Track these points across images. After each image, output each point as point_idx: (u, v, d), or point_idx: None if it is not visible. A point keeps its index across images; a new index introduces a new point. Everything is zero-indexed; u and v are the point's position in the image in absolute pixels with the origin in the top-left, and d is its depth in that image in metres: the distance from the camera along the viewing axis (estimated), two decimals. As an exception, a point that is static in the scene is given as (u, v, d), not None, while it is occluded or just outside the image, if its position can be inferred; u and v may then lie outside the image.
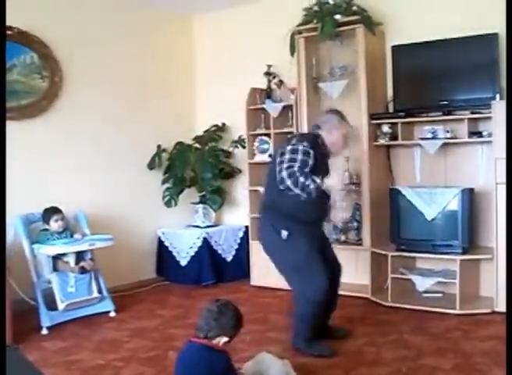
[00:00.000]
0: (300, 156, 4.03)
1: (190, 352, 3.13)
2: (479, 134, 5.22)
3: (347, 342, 4.44)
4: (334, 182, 4.25)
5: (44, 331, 4.93)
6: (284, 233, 4.21)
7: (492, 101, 4.99)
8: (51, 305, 5.08)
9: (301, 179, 3.93)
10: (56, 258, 5.22)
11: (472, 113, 5.19)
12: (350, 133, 4.66)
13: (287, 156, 4.04)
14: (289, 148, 4.09)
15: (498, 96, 5.05)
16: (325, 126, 4.39)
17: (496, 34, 5.12)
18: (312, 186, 3.94)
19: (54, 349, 4.53)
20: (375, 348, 4.31)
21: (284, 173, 3.96)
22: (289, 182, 3.95)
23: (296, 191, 3.98)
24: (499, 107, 4.92)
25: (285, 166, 4.00)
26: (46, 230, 5.35)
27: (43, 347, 4.57)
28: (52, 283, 5.13)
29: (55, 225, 5.35)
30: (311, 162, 4.07)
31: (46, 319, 4.98)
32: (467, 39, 5.22)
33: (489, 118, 5.01)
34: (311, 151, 4.09)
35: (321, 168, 4.23)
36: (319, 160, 4.19)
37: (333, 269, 4.49)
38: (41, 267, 5.21)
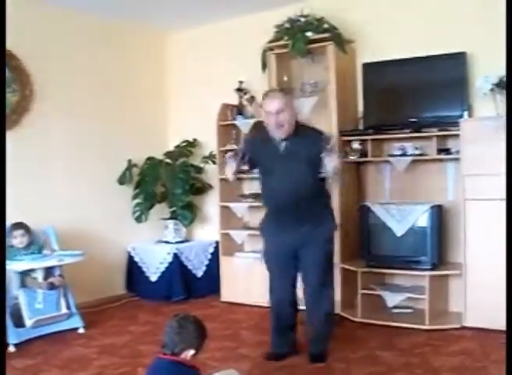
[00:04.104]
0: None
1: (159, 369, 3.10)
2: (447, 151, 5.29)
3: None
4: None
5: (11, 349, 4.84)
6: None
7: (460, 119, 5.06)
8: (19, 322, 4.99)
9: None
10: (24, 274, 5.15)
11: (441, 131, 5.24)
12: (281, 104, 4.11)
13: None
14: None
15: (466, 114, 5.12)
16: None
17: (464, 53, 5.20)
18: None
19: (21, 367, 4.45)
20: (345, 363, 4.30)
21: None
22: None
23: None
24: (466, 125, 5.01)
25: None
26: (12, 246, 5.29)
27: (10, 365, 4.47)
28: (20, 299, 5.06)
29: (15, 241, 5.28)
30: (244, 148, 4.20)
31: (13, 336, 4.90)
32: (436, 57, 5.30)
33: (457, 135, 5.07)
34: (248, 140, 4.39)
35: (272, 154, 4.22)
36: (266, 148, 4.24)
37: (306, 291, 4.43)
38: (9, 283, 5.13)
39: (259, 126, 4.20)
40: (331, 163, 3.98)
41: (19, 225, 5.33)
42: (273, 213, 4.36)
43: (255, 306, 5.97)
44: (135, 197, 6.76)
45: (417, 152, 5.39)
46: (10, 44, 5.55)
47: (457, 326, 5.05)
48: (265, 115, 4.16)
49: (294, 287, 4.42)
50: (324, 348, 4.41)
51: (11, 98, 5.70)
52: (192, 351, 3.09)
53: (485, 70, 4.98)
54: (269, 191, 4.27)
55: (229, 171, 4.18)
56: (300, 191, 4.12)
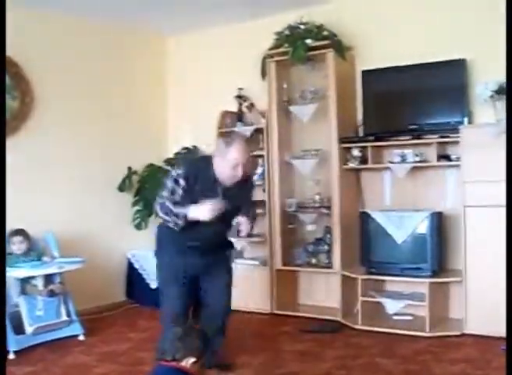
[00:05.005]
0: (169, 184, 3.97)
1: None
2: (448, 158, 5.29)
3: (317, 366, 4.43)
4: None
5: (11, 356, 4.83)
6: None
7: (460, 126, 5.07)
8: (19, 329, 4.98)
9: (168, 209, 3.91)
10: (24, 281, 5.15)
11: (441, 137, 5.25)
12: (245, 162, 3.97)
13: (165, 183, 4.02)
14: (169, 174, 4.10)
15: (466, 120, 5.13)
16: (214, 152, 4.08)
17: (464, 60, 5.21)
18: (175, 219, 3.90)
19: (21, 374, 4.45)
20: (346, 371, 4.30)
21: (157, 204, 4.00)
22: (160, 213, 3.97)
23: (167, 218, 3.95)
24: (466, 131, 5.02)
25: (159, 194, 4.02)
26: (12, 253, 5.28)
27: (10, 372, 4.47)
28: (20, 306, 5.05)
29: (14, 247, 5.28)
30: (179, 191, 3.91)
31: (13, 344, 4.89)
32: (435, 64, 5.30)
33: (457, 142, 5.08)
34: (181, 180, 3.91)
35: (209, 193, 3.93)
36: (204, 184, 3.95)
37: (211, 313, 4.26)
38: (9, 290, 5.12)
39: (201, 166, 4.05)
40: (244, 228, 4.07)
41: (17, 232, 5.33)
42: (186, 238, 4.05)
43: (255, 313, 5.97)
44: (135, 204, 6.75)
45: (418, 159, 5.39)
46: (10, 51, 5.54)
47: (458, 333, 5.05)
48: (225, 161, 3.91)
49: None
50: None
51: (11, 104, 5.70)
52: (192, 359, 3.09)
53: (485, 77, 4.99)
54: (192, 223, 3.92)
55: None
56: (222, 228, 4.15)
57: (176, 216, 3.88)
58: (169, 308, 4.12)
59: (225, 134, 4.25)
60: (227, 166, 3.91)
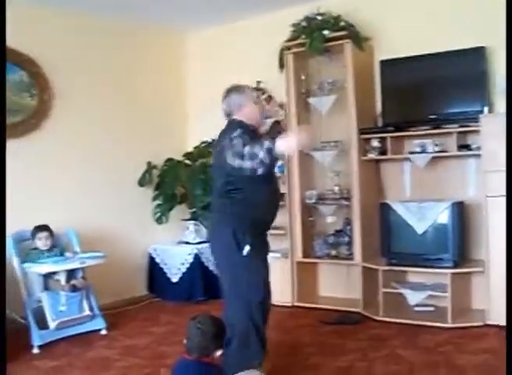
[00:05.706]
0: (236, 140, 3.63)
1: (186, 369, 3.10)
2: (468, 147, 5.24)
3: (339, 357, 4.43)
4: None
5: (36, 350, 4.89)
6: (247, 249, 3.72)
7: (480, 115, 5.02)
8: (43, 324, 5.04)
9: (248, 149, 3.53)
10: (47, 276, 5.19)
11: (461, 127, 5.20)
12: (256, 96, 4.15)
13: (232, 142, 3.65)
14: (225, 141, 3.72)
15: (486, 109, 5.08)
16: (234, 108, 4.00)
17: (483, 48, 5.16)
18: (261, 152, 3.47)
19: (45, 368, 4.50)
20: (367, 362, 4.30)
21: (236, 160, 3.57)
22: (247, 163, 3.53)
23: (251, 163, 3.51)
24: (487, 120, 4.96)
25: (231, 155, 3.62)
26: (36, 248, 5.34)
27: (34, 366, 4.54)
28: (43, 301, 5.11)
29: (39, 243, 5.35)
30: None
31: (37, 338, 4.95)
32: (454, 53, 5.25)
33: (478, 131, 5.04)
34: (246, 135, 3.66)
35: None
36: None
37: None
38: (32, 286, 5.19)
39: (241, 125, 3.85)
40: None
41: (43, 227, 5.39)
42: (257, 222, 3.86)
43: (276, 305, 5.95)
44: (155, 198, 6.78)
45: (438, 149, 5.35)
46: (27, 49, 5.64)
47: (480, 323, 5.02)
48: (258, 103, 4.07)
49: None
50: None
51: (30, 102, 5.75)
52: (219, 352, 3.10)
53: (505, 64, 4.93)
54: (265, 190, 3.85)
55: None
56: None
57: (269, 152, 3.48)
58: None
59: (226, 92, 4.20)
60: (257, 106, 4.02)
